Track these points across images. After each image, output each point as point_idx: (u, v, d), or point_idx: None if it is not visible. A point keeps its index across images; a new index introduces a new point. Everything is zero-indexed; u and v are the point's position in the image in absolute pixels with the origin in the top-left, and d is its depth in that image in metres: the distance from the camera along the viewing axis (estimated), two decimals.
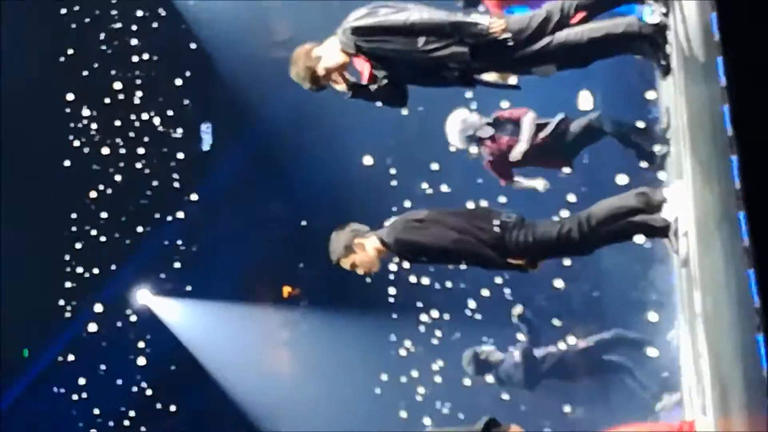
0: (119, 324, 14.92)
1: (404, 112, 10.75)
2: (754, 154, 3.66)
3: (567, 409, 12.37)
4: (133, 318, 14.95)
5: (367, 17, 6.58)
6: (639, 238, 6.73)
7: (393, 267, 10.99)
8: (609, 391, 11.60)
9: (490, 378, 11.57)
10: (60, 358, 14.76)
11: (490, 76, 7.19)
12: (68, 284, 14.71)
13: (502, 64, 6.82)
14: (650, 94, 9.54)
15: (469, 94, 10.29)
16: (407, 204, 10.92)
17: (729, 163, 3.74)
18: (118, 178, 14.87)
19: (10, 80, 13.73)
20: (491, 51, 6.54)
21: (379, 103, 7.05)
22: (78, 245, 14.72)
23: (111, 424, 14.71)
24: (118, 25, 14.83)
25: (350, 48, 6.59)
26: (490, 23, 6.53)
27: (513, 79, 7.39)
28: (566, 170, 10.09)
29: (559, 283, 10.62)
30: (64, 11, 14.57)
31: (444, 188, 12.34)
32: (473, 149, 10.10)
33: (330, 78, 6.71)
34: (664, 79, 7.11)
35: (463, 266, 7.02)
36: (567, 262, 9.92)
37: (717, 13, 4.01)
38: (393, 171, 13.57)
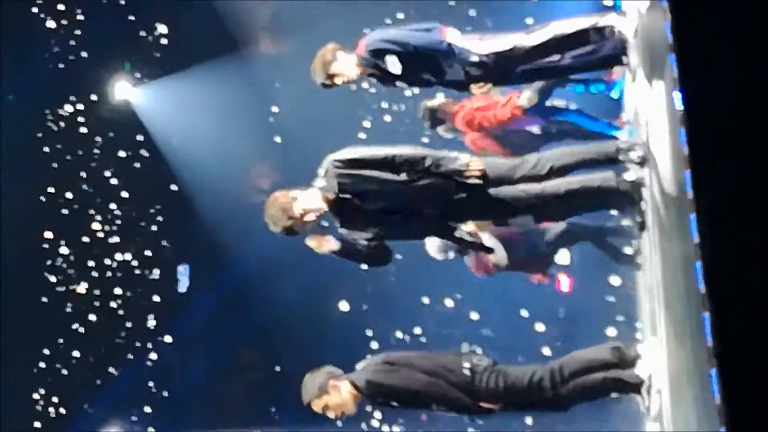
0: None
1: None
2: (726, 311, 3.69)
3: None
4: None
5: (348, 152, 6.67)
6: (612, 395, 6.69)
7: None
8: None
9: None
10: None
11: (467, 228, 7.29)
12: (37, 424, 14.49)
13: (478, 208, 6.88)
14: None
15: None
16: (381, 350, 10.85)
17: (702, 320, 3.76)
18: (92, 317, 14.79)
19: None
20: (467, 190, 6.63)
21: (364, 265, 7.16)
22: (48, 383, 14.55)
23: None
24: (100, 164, 14.93)
25: (331, 189, 6.63)
26: (469, 162, 6.64)
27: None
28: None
29: None
30: (46, 149, 14.69)
31: (422, 338, 12.32)
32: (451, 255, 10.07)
33: (304, 221, 6.72)
34: (640, 235, 7.19)
35: (435, 411, 6.93)
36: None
37: (690, 170, 4.09)
38: (369, 318, 13.54)
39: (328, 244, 6.96)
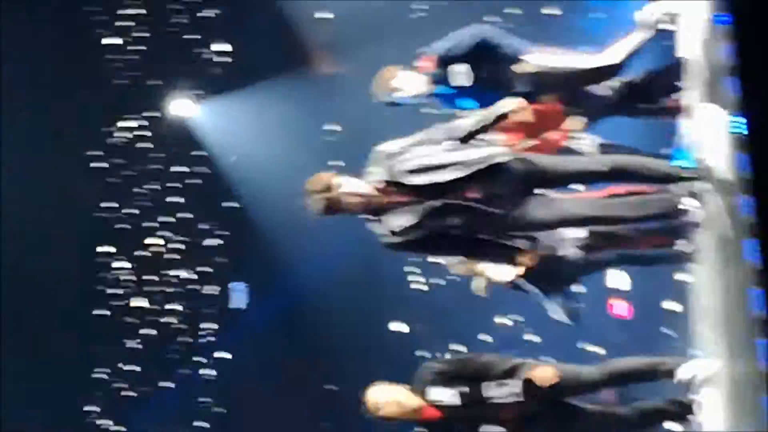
0: None
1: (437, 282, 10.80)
2: None
3: None
4: None
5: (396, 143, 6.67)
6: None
7: None
8: None
9: None
10: None
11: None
12: None
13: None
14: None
15: None
16: None
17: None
18: (149, 331, 14.91)
19: (53, 228, 13.92)
20: None
21: None
22: (102, 397, 14.68)
23: None
24: (159, 180, 15.05)
25: (380, 178, 6.59)
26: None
27: None
28: None
29: None
30: (106, 165, 14.85)
31: None
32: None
33: (346, 201, 6.62)
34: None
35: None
36: None
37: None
38: (423, 338, 13.53)
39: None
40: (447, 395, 6.81)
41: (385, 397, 6.85)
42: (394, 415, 6.82)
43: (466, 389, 6.80)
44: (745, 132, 4.20)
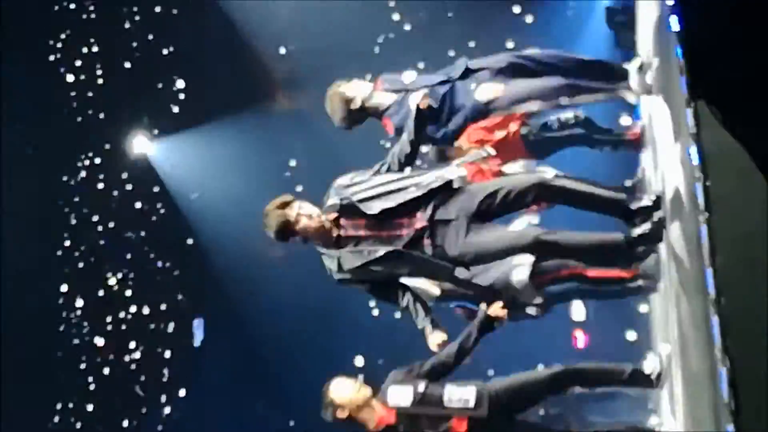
0: None
1: (397, 315, 10.76)
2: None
3: None
4: None
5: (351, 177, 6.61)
6: None
7: None
8: None
9: None
10: None
11: None
12: None
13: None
14: None
15: None
16: None
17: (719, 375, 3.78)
18: (106, 370, 14.80)
19: (8, 269, 13.80)
20: None
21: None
22: None
23: None
24: (117, 218, 14.99)
25: (334, 209, 6.52)
26: None
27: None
28: None
29: None
30: (63, 203, 14.78)
31: None
32: None
33: (300, 226, 6.52)
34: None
35: None
36: None
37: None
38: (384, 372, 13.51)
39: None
40: (404, 394, 6.83)
41: (337, 387, 7.05)
42: (345, 410, 6.88)
43: (424, 387, 6.88)
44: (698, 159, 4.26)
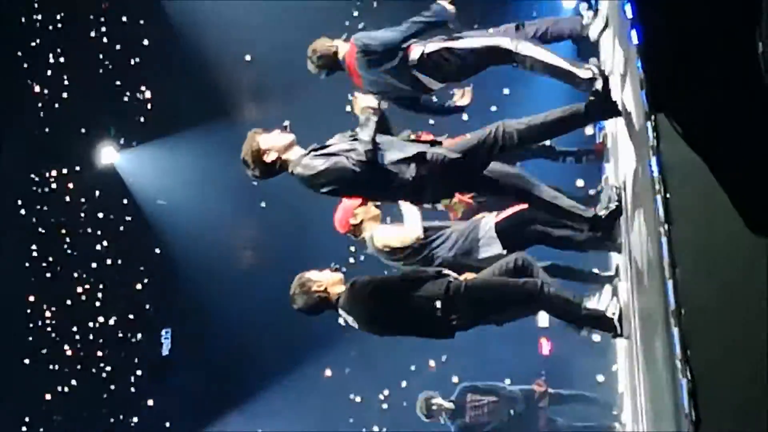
0: None
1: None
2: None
3: None
4: None
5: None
6: None
7: None
8: None
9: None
10: None
11: None
12: None
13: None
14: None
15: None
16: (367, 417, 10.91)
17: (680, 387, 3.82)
18: (74, 381, 14.76)
19: None
20: None
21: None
22: None
23: None
24: (85, 227, 14.96)
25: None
26: None
27: None
28: None
29: None
30: (31, 213, 14.74)
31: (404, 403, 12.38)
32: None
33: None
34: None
35: None
36: None
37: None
38: (352, 382, 13.57)
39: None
40: None
41: None
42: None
43: None
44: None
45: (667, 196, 4.32)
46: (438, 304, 6.54)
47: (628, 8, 4.73)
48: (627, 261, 6.37)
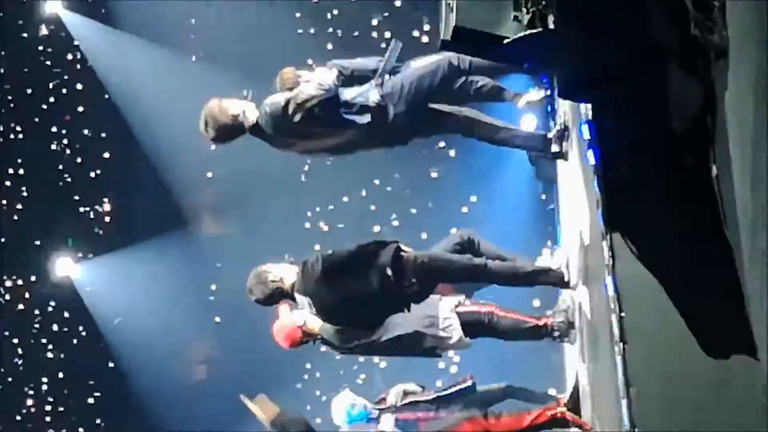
0: None
1: None
2: None
3: None
4: None
5: None
6: None
7: None
8: None
9: None
10: None
11: None
12: None
13: None
14: None
15: None
16: None
17: None
18: None
19: None
20: None
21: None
22: None
23: None
24: (37, 339, 14.84)
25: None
26: None
27: None
28: None
29: None
30: None
31: None
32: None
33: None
34: None
35: None
36: None
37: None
38: None
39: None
40: None
41: None
42: None
43: None
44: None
45: (622, 315, 4.35)
46: (389, 271, 6.66)
47: (585, 129, 4.82)
48: (583, 381, 6.37)
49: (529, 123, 8.12)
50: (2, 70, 14.38)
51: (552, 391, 9.01)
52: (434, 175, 13.46)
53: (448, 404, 8.76)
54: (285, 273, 6.96)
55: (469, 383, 8.80)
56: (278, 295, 7.00)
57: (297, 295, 6.92)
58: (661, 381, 4.13)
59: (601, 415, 5.31)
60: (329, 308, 6.94)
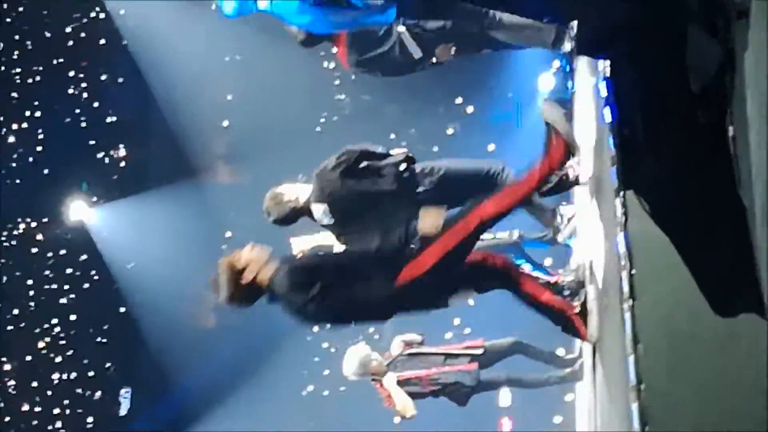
0: None
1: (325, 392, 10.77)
2: None
3: None
4: None
5: None
6: None
7: None
8: None
9: None
10: None
11: None
12: None
13: None
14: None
15: None
16: None
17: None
18: None
19: None
20: None
21: None
22: None
23: None
24: (50, 282, 14.89)
25: None
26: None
27: None
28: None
29: None
30: None
31: None
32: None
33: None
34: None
35: None
36: None
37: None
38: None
39: None
40: None
41: None
42: None
43: None
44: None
45: (633, 272, 4.36)
46: (402, 167, 6.97)
47: (602, 86, 4.81)
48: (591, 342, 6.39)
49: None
50: (22, 10, 14.36)
51: (560, 351, 9.05)
52: (450, 132, 13.46)
53: (455, 360, 8.84)
54: (300, 192, 7.09)
55: (479, 350, 8.86)
56: (294, 214, 7.12)
57: (314, 206, 7.00)
58: (668, 338, 4.14)
59: (608, 371, 5.33)
60: (346, 206, 6.96)
